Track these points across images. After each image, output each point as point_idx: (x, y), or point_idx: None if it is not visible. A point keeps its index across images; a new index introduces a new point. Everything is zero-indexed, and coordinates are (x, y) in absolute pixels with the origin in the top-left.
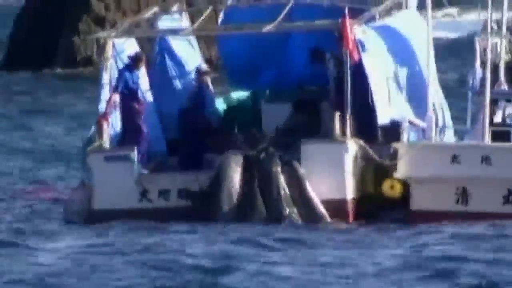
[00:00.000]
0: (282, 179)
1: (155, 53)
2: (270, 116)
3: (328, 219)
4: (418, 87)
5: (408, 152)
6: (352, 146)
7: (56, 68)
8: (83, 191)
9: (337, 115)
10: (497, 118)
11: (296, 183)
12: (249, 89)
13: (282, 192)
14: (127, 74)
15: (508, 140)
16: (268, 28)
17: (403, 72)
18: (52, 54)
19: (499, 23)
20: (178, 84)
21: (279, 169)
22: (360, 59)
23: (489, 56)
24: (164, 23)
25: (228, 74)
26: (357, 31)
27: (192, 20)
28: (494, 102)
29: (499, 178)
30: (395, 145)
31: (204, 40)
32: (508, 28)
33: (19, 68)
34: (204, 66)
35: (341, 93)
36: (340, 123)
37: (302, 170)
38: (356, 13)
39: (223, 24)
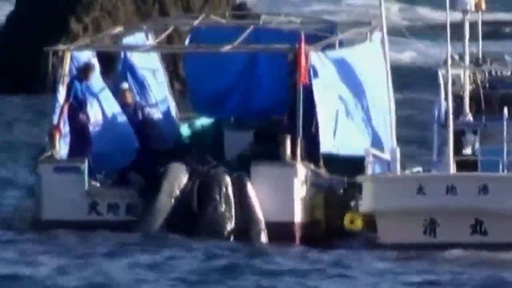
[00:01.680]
0: (226, 192)
1: (117, 70)
2: (233, 144)
3: (263, 240)
4: (365, 118)
5: (373, 185)
6: (302, 170)
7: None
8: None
9: (287, 139)
10: (467, 150)
11: (243, 199)
12: (214, 116)
13: (221, 208)
14: (76, 85)
15: (476, 170)
16: (226, 48)
17: (352, 103)
18: (31, 76)
19: (461, 55)
20: (141, 103)
21: (225, 181)
22: (311, 85)
23: (449, 88)
24: (128, 41)
25: (193, 98)
26: (312, 57)
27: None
28: (461, 134)
29: (466, 208)
30: (359, 178)
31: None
32: (471, 61)
33: None
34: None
35: (293, 117)
36: (291, 146)
37: (250, 187)
38: (317, 40)
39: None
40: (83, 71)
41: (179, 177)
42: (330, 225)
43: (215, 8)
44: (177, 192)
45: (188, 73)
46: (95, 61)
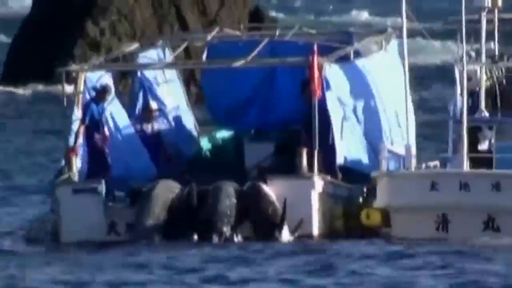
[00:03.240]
0: (226, 194)
1: (135, 88)
2: (253, 156)
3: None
4: (379, 125)
5: (387, 181)
6: (319, 182)
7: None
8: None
9: (304, 151)
10: (483, 146)
11: (261, 201)
12: (233, 128)
13: (222, 207)
14: (92, 106)
15: (491, 167)
16: (239, 63)
17: (364, 113)
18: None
19: (478, 51)
20: (158, 120)
21: (225, 187)
22: (324, 97)
23: (465, 84)
24: (143, 59)
25: (211, 111)
26: (325, 68)
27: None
28: (477, 130)
29: (478, 204)
30: (373, 174)
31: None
32: (489, 57)
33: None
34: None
35: (308, 129)
36: (308, 158)
37: (266, 189)
38: (333, 50)
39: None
40: (101, 93)
41: (171, 186)
42: (350, 235)
43: (231, 11)
44: (171, 196)
45: (206, 87)
46: (108, 79)
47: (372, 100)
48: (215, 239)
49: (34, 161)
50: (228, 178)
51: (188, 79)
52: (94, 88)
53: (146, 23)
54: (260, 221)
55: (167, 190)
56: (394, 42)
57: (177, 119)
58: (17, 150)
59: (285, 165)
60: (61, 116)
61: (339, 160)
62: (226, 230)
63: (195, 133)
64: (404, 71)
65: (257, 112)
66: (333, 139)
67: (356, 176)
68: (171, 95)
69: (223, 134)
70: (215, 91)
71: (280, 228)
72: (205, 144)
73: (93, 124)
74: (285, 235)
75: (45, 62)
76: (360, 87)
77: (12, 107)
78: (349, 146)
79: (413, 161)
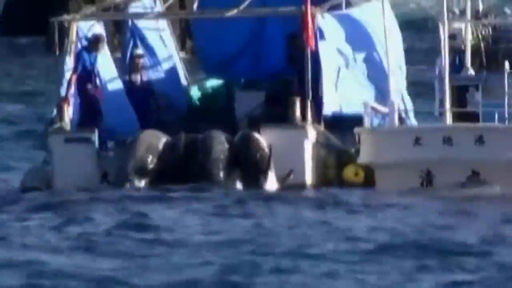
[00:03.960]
0: (218, 141)
1: (126, 38)
2: (243, 105)
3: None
4: (377, 76)
5: (370, 137)
6: (312, 132)
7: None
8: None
9: (297, 101)
10: (470, 105)
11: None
12: (224, 77)
13: (215, 154)
14: (84, 55)
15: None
16: (231, 13)
17: (361, 62)
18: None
19: (462, 9)
20: (149, 69)
21: (219, 138)
22: (317, 47)
23: (446, 42)
24: (136, 9)
25: (203, 62)
26: (318, 18)
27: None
28: (464, 89)
29: (462, 159)
30: (356, 130)
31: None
32: (471, 15)
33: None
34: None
35: (302, 80)
36: (301, 109)
37: (257, 136)
38: (325, 0)
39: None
40: (93, 43)
41: (156, 134)
42: (343, 185)
43: None
44: (156, 142)
45: (197, 36)
46: (100, 29)
47: (372, 48)
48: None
49: None
50: (218, 127)
51: (183, 31)
52: (86, 38)
53: None
54: (247, 167)
55: (152, 136)
56: None
57: (168, 69)
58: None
59: (275, 114)
60: (54, 66)
61: (326, 111)
62: (221, 176)
63: (185, 82)
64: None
65: (248, 62)
66: (321, 90)
67: (349, 128)
68: (163, 45)
69: (213, 83)
70: (206, 41)
71: (265, 174)
72: (195, 93)
73: (85, 74)
74: (271, 183)
75: (39, 16)
76: (357, 36)
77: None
78: (351, 94)
79: (396, 117)
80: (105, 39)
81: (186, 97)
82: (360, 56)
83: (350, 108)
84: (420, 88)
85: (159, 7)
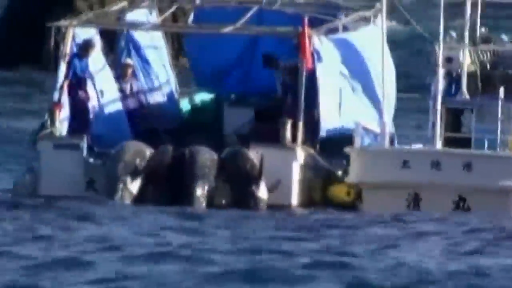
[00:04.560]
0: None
1: (120, 46)
2: (232, 120)
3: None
4: (371, 99)
5: (359, 157)
6: (301, 154)
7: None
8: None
9: (288, 122)
10: (464, 129)
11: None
12: (215, 92)
13: (199, 170)
14: (76, 62)
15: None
16: (227, 29)
17: (356, 84)
18: (36, 55)
19: (460, 33)
20: (141, 79)
21: (200, 151)
22: (314, 69)
23: (440, 66)
24: (131, 18)
25: (194, 75)
26: (315, 40)
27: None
28: (459, 113)
29: (449, 184)
30: (347, 149)
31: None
32: (472, 39)
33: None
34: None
35: (294, 101)
36: (292, 130)
37: (245, 151)
38: (321, 23)
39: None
40: (83, 48)
41: (142, 146)
42: (329, 205)
43: None
44: (145, 149)
45: (189, 49)
46: (97, 38)
47: (366, 73)
48: (192, 203)
49: None
50: (206, 141)
51: (177, 50)
52: (78, 44)
53: None
54: (236, 177)
55: (139, 145)
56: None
57: (161, 79)
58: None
59: (264, 132)
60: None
61: (322, 133)
62: (203, 194)
63: (176, 94)
64: (382, 52)
65: (239, 77)
66: (318, 113)
67: (338, 151)
68: (156, 56)
69: (203, 97)
70: (198, 55)
71: (257, 182)
72: (185, 105)
73: (76, 80)
74: (262, 191)
75: (32, 36)
76: (352, 61)
77: None
78: (356, 112)
79: (387, 138)
80: (95, 45)
81: (174, 108)
82: (356, 81)
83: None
84: (414, 115)
85: (154, 19)
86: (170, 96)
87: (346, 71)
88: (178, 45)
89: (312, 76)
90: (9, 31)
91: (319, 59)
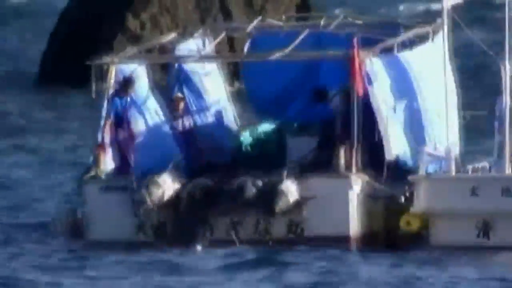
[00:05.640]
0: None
1: (171, 80)
2: (296, 150)
3: None
4: (413, 127)
5: (425, 185)
6: (357, 182)
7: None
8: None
9: (342, 149)
10: None
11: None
12: (276, 120)
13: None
14: (116, 100)
15: None
16: (274, 57)
17: (400, 111)
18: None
19: None
20: (195, 113)
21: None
22: (367, 93)
23: (507, 82)
24: (184, 49)
25: (253, 106)
26: (367, 62)
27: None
28: None
29: None
30: (411, 177)
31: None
32: None
33: (52, 85)
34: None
35: (347, 127)
36: (346, 157)
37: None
38: (376, 43)
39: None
40: (123, 86)
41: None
42: (391, 235)
43: (277, 3)
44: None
45: (247, 79)
46: (143, 72)
47: (414, 97)
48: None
49: None
50: (269, 173)
51: (232, 74)
52: (117, 81)
53: (189, 15)
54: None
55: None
56: (445, 31)
57: (217, 113)
58: None
59: (327, 160)
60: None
61: (388, 156)
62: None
63: (235, 126)
64: (444, 69)
65: (300, 105)
66: (380, 135)
67: (399, 175)
68: (211, 88)
69: (265, 127)
70: (256, 84)
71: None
72: (246, 138)
73: (117, 119)
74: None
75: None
76: (402, 83)
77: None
78: (399, 139)
79: (453, 164)
80: (135, 82)
81: (236, 142)
82: (400, 104)
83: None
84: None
85: (208, 48)
86: (227, 128)
87: (391, 98)
88: (234, 68)
89: (367, 100)
90: (60, 51)
91: (370, 82)
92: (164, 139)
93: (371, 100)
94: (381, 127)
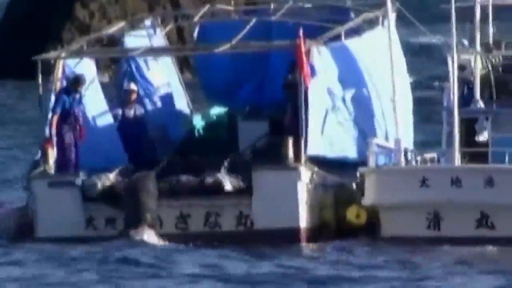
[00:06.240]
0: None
1: (121, 69)
2: (247, 134)
3: None
4: (364, 116)
5: (375, 177)
6: (306, 173)
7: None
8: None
9: (290, 140)
10: (480, 138)
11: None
12: (227, 106)
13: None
14: (64, 97)
15: (487, 160)
16: (221, 49)
17: (349, 101)
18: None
19: (471, 39)
20: (147, 103)
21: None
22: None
23: (454, 73)
24: (133, 39)
25: (205, 91)
26: (314, 52)
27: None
28: (474, 121)
29: (471, 201)
30: (361, 169)
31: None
32: (483, 45)
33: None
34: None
35: (295, 117)
36: (294, 148)
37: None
38: (324, 31)
39: (198, 41)
40: (72, 83)
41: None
42: (341, 224)
43: None
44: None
45: (198, 65)
46: (89, 65)
47: (364, 86)
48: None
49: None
50: (221, 157)
51: (182, 63)
52: (66, 78)
53: (137, 5)
54: None
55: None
56: (392, 17)
57: (167, 98)
58: None
59: (279, 145)
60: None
61: (310, 151)
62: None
63: (187, 111)
64: (391, 58)
65: (252, 90)
66: (306, 130)
67: (340, 168)
68: (162, 74)
69: (217, 111)
70: (208, 71)
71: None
72: (198, 122)
73: (63, 115)
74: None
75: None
76: (351, 72)
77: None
78: (334, 138)
79: (402, 156)
80: (85, 81)
81: (188, 126)
82: (349, 94)
83: (333, 151)
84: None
85: (157, 38)
86: (181, 114)
87: (338, 88)
88: (183, 57)
89: (306, 92)
90: (7, 42)
91: (313, 73)
92: (111, 137)
93: (308, 92)
94: (309, 120)
